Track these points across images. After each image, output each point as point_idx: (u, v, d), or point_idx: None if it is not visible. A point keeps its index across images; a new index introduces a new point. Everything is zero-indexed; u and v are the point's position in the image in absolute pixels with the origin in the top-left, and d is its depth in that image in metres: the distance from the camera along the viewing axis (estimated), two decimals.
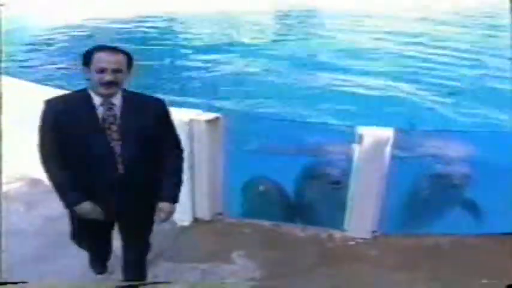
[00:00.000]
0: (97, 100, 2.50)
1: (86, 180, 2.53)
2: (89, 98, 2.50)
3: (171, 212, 2.71)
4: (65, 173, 2.51)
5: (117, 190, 2.57)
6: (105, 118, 2.50)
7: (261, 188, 4.61)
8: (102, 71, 2.42)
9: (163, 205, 2.68)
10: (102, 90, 2.46)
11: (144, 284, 3.13)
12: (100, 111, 2.49)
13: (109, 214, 2.70)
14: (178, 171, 2.76)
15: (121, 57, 2.48)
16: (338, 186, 4.43)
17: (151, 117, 2.60)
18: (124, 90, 2.57)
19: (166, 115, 2.72)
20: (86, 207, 2.56)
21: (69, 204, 2.58)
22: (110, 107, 2.51)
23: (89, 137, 2.48)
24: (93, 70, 2.44)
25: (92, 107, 2.49)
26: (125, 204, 2.64)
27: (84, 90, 2.54)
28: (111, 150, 2.51)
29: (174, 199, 2.71)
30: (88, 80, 2.49)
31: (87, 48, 2.50)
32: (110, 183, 2.55)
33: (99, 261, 3.30)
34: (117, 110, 2.53)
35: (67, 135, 2.47)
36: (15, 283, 2.70)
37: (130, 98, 2.58)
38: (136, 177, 2.58)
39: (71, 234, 2.99)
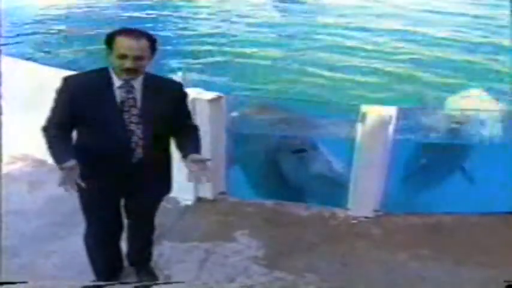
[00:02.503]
0: (117, 82, 2.43)
1: (99, 161, 2.48)
2: (109, 79, 2.44)
3: (202, 160, 2.47)
4: (63, 138, 2.43)
5: (135, 173, 2.54)
6: (125, 101, 2.45)
7: None
8: (123, 57, 2.34)
9: (193, 156, 2.46)
10: (122, 75, 2.40)
11: (147, 286, 3.15)
12: (119, 93, 2.44)
13: (120, 195, 2.71)
14: (197, 137, 2.69)
15: (144, 43, 2.38)
16: (303, 154, 4.66)
17: (170, 100, 2.56)
18: (144, 73, 2.50)
19: (184, 98, 2.70)
20: (72, 163, 2.33)
21: (58, 161, 2.36)
22: (129, 89, 2.45)
23: (106, 119, 2.43)
24: (115, 55, 2.36)
25: (111, 88, 2.44)
26: (140, 188, 2.61)
27: (104, 70, 2.47)
28: (131, 133, 2.47)
29: (199, 151, 2.54)
30: (109, 61, 2.43)
31: (110, 31, 2.41)
32: (128, 167, 2.52)
33: (109, 268, 3.13)
34: (137, 93, 2.48)
35: (82, 114, 2.42)
36: (14, 283, 2.70)
37: (150, 81, 2.51)
38: (155, 161, 2.57)
39: (85, 238, 2.92)
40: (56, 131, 2.44)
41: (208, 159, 2.54)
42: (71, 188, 2.31)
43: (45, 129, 2.47)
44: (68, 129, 2.47)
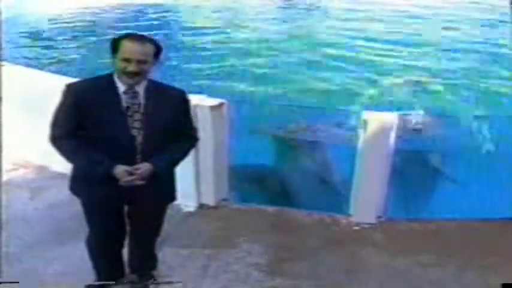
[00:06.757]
0: (121, 87, 2.47)
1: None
2: (113, 84, 2.47)
3: (143, 172, 2.46)
4: (84, 146, 2.45)
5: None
6: (129, 106, 2.48)
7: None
8: (127, 60, 2.39)
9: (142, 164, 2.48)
10: (126, 79, 2.44)
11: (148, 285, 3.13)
12: (124, 98, 2.47)
13: (123, 201, 2.70)
14: (180, 150, 2.70)
15: (147, 48, 2.43)
16: None
17: (173, 107, 2.59)
18: (147, 79, 2.53)
19: (187, 106, 2.72)
20: (121, 168, 2.42)
21: (106, 168, 2.43)
22: (134, 95, 2.48)
23: (110, 124, 2.45)
24: (119, 58, 2.40)
25: (116, 94, 2.46)
26: (142, 194, 2.57)
27: (108, 76, 2.50)
28: (132, 139, 2.49)
29: (156, 164, 2.50)
30: (114, 66, 2.46)
31: (115, 36, 2.46)
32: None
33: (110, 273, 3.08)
34: (141, 99, 2.50)
35: (88, 119, 2.43)
36: (8, 282, 2.69)
37: (153, 87, 2.55)
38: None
39: (87, 241, 2.92)
40: (72, 138, 2.45)
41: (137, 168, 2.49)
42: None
43: (58, 140, 2.47)
44: (78, 135, 2.47)
